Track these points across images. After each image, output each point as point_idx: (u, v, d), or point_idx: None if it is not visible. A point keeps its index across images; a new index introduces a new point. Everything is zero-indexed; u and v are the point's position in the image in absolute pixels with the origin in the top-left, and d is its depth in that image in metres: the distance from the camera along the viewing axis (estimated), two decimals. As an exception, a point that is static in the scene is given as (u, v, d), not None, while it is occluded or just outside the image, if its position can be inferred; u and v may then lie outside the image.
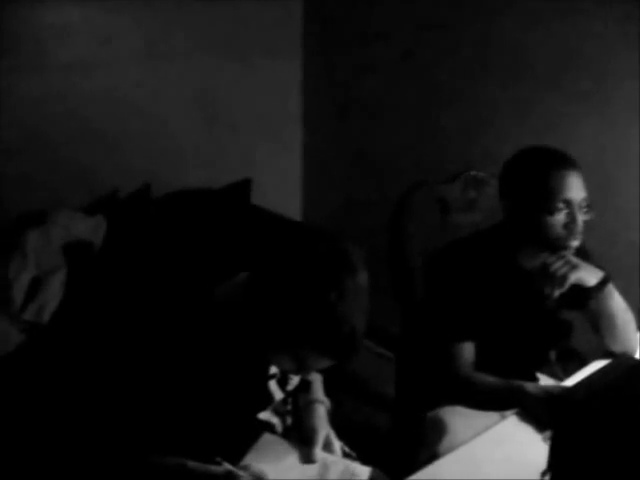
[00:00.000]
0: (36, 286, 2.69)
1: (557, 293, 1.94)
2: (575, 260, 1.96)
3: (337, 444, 1.78)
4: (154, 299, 2.49)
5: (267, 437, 1.75)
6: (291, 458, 1.71)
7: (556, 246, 1.97)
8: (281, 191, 3.88)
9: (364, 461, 1.78)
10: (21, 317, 2.63)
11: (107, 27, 3.12)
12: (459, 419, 2.01)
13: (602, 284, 2.00)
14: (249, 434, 1.74)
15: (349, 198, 3.84)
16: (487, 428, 1.87)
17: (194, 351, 1.58)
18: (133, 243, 2.94)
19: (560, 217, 1.95)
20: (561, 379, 2.15)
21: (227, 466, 1.57)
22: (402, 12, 3.34)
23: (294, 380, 1.83)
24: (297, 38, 3.78)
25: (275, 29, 3.65)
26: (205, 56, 3.42)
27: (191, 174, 3.42)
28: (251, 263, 1.59)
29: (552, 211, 1.94)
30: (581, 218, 1.95)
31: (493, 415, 1.99)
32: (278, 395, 1.80)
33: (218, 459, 1.58)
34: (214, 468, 1.56)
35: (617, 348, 2.10)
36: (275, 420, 1.84)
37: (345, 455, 1.79)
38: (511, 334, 2.12)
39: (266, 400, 1.78)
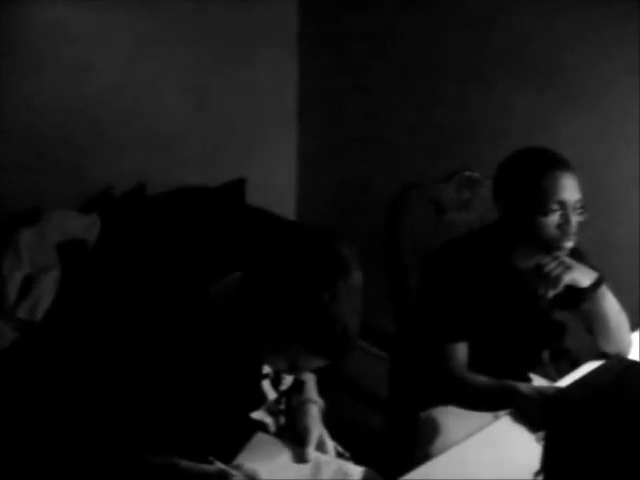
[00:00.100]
0: (29, 284, 2.69)
1: (551, 294, 1.95)
2: (569, 261, 1.96)
3: (330, 444, 1.78)
4: (148, 298, 2.49)
5: (260, 437, 1.75)
6: (284, 458, 1.71)
7: (550, 247, 1.97)
8: (276, 190, 3.88)
9: (357, 461, 1.78)
10: (14, 315, 2.63)
11: (102, 26, 3.11)
12: (452, 419, 2.02)
13: (596, 285, 2.00)
14: (242, 433, 1.73)
15: (343, 197, 3.84)
16: (480, 428, 1.87)
17: (188, 350, 1.57)
18: (127, 242, 2.94)
19: (554, 218, 1.95)
20: (554, 380, 2.16)
21: (220, 465, 1.57)
22: (397, 11, 3.34)
23: (287, 380, 1.83)
24: (292, 36, 3.78)
25: (271, 27, 3.65)
26: (200, 55, 3.42)
27: (185, 173, 3.42)
28: (245, 262, 1.59)
29: (546, 212, 1.94)
30: (575, 219, 1.96)
31: (486, 415, 1.99)
32: (271, 395, 1.80)
33: (211, 458, 1.58)
34: (207, 467, 1.56)
35: (610, 349, 2.10)
36: (268, 420, 1.83)
37: (338, 455, 1.78)
38: (505, 334, 2.12)
39: (259, 400, 1.78)
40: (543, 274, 1.94)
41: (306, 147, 3.95)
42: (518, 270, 2.08)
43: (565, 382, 1.99)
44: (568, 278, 1.93)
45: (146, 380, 1.57)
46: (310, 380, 1.92)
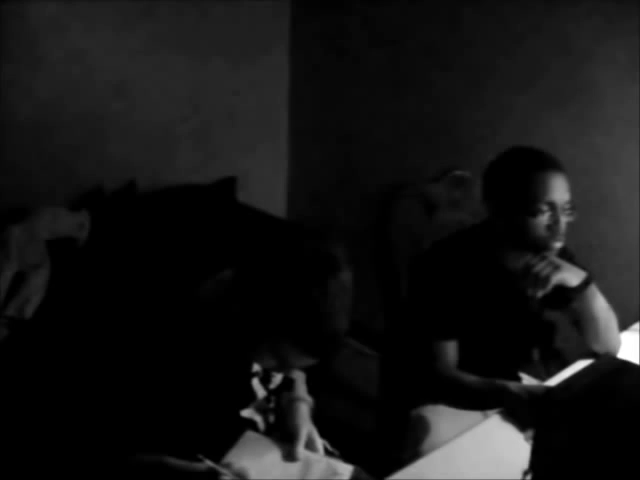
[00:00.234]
0: (19, 282, 2.68)
1: (540, 294, 1.95)
2: (558, 261, 1.96)
3: (320, 442, 1.77)
4: (138, 296, 2.48)
5: (249, 435, 1.75)
6: (273, 456, 1.71)
7: (539, 247, 1.97)
8: (267, 189, 3.88)
9: (347, 459, 1.78)
10: (4, 313, 2.62)
11: (96, 24, 3.10)
12: (442, 418, 2.02)
13: (585, 285, 2.00)
14: (231, 431, 1.73)
15: (335, 196, 3.84)
16: (470, 427, 1.88)
17: (177, 347, 1.57)
18: (118, 239, 2.93)
19: (543, 219, 1.95)
20: (544, 379, 2.16)
21: (209, 463, 1.56)
22: (390, 11, 3.34)
23: (277, 378, 1.83)
24: (285, 36, 3.78)
25: (263, 27, 3.65)
26: (193, 54, 3.41)
27: (176, 172, 3.42)
28: (236, 260, 1.59)
29: (535, 213, 1.94)
30: (564, 220, 1.96)
31: (476, 414, 1.99)
32: (261, 393, 1.80)
33: (200, 456, 1.58)
34: (196, 465, 1.55)
35: (599, 348, 2.11)
36: (257, 418, 1.83)
37: (328, 453, 1.78)
38: (494, 334, 2.12)
39: (248, 398, 1.78)
40: (532, 274, 1.94)
41: (297, 146, 3.95)
42: (507, 270, 2.08)
43: (555, 381, 2.00)
44: (557, 278, 1.94)
45: (136, 378, 1.56)
46: (299, 378, 1.92)
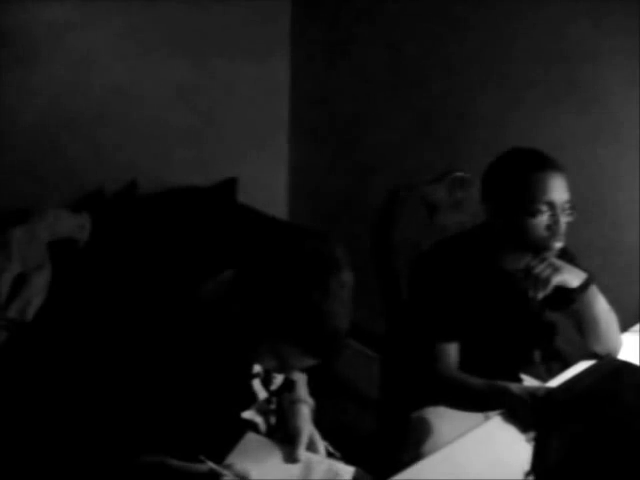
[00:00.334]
0: (21, 283, 2.68)
1: (541, 295, 1.95)
2: (558, 262, 1.96)
3: (321, 444, 1.78)
4: (139, 297, 2.48)
5: (250, 436, 1.75)
6: (274, 457, 1.71)
7: (539, 248, 1.97)
8: (267, 190, 3.88)
9: (348, 461, 1.78)
10: (5, 314, 2.62)
11: (96, 25, 3.11)
12: (443, 420, 2.02)
13: (585, 286, 2.00)
14: (233, 433, 1.73)
15: (335, 198, 3.84)
16: (471, 429, 1.88)
17: (178, 348, 1.58)
18: (118, 241, 2.93)
19: (542, 219, 1.95)
20: (545, 380, 2.16)
21: (210, 465, 1.57)
22: (391, 11, 3.35)
23: (278, 379, 1.83)
24: (285, 38, 3.78)
25: (264, 27, 3.65)
26: (193, 56, 3.41)
27: (177, 172, 3.42)
28: (237, 261, 1.59)
29: (534, 213, 1.94)
30: (564, 220, 1.96)
31: (477, 416, 1.99)
32: (262, 394, 1.80)
33: (202, 457, 1.58)
34: (197, 466, 1.55)
35: (600, 349, 2.10)
36: (259, 419, 1.83)
37: (329, 455, 1.79)
38: (495, 335, 2.12)
39: (249, 399, 1.78)
40: (532, 275, 1.94)
41: (297, 147, 3.95)
42: (507, 271, 2.08)
43: (556, 383, 1.99)
44: (557, 279, 1.94)
45: (137, 379, 1.56)
46: (301, 380, 1.92)
